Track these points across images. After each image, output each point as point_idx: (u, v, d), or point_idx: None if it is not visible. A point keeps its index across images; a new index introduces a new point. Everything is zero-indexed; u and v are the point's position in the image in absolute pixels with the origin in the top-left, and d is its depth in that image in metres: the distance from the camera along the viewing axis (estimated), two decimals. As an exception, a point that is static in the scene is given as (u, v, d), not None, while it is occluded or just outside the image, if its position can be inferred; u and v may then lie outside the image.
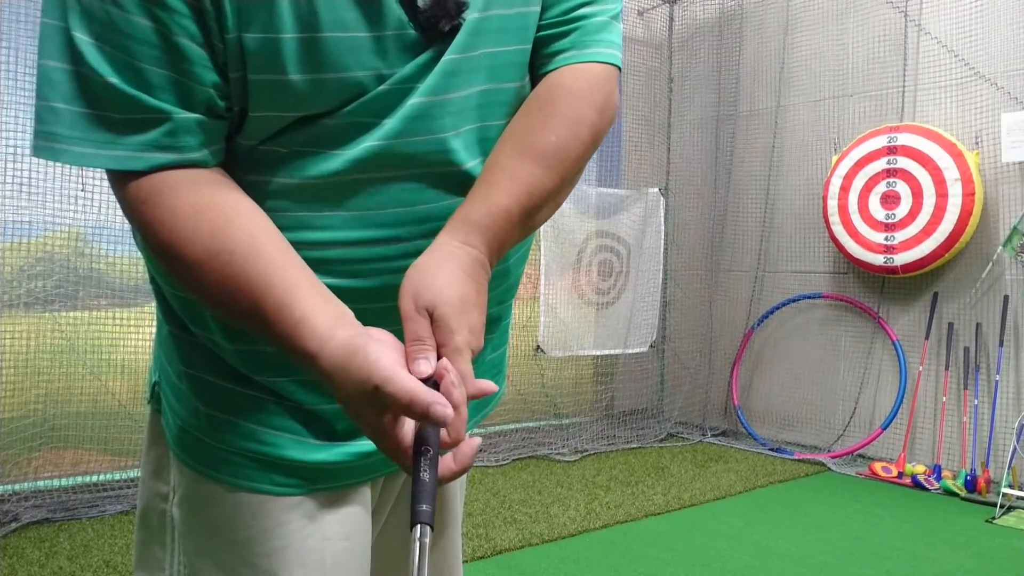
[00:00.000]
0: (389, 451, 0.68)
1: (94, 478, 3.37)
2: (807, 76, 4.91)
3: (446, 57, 0.77)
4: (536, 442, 4.63)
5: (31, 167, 3.16)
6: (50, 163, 3.19)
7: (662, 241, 5.06)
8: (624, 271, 5.03)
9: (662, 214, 5.03)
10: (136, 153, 0.71)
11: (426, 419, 0.64)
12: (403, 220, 0.80)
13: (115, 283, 3.47)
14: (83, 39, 0.68)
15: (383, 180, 0.79)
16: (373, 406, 0.66)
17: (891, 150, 4.28)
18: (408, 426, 0.68)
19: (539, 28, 0.84)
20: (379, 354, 0.66)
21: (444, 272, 0.72)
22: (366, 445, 0.87)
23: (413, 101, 0.77)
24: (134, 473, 3.50)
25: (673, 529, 3.30)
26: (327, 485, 0.86)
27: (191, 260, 0.71)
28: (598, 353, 5.09)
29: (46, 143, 0.70)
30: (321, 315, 0.69)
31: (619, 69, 0.86)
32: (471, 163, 0.82)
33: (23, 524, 2.97)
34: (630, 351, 5.00)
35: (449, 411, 0.64)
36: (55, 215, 3.25)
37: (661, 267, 5.11)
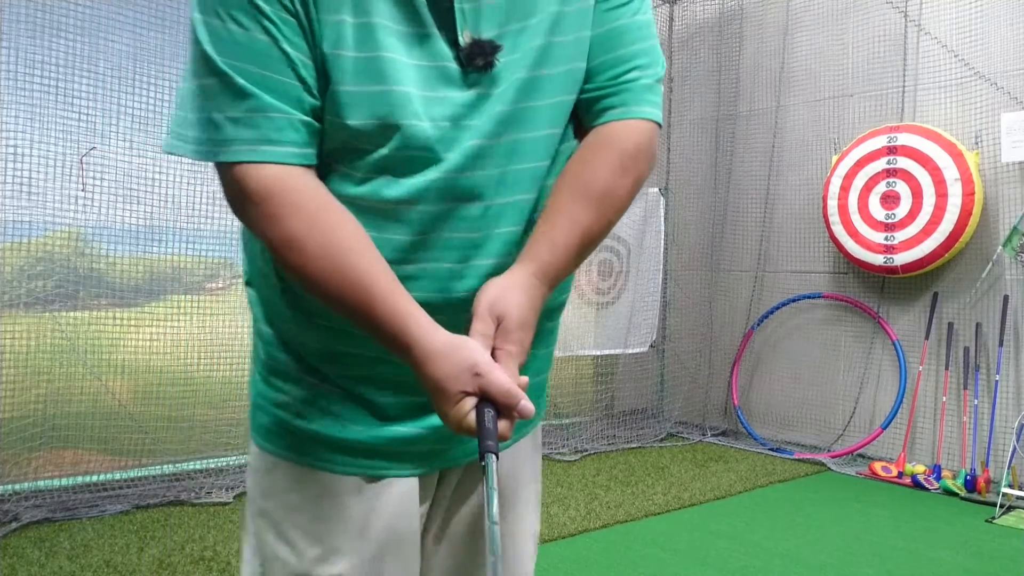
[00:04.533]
0: (455, 423, 0.84)
1: (94, 478, 3.37)
2: (807, 76, 4.91)
3: (502, 108, 0.92)
4: (536, 442, 4.63)
5: (31, 167, 3.16)
6: (50, 163, 3.20)
7: (662, 241, 5.05)
8: (624, 271, 5.03)
9: (662, 214, 5.03)
10: (250, 146, 0.84)
11: (511, 410, 0.82)
12: (453, 245, 0.94)
13: (115, 283, 3.47)
14: (213, 54, 0.83)
15: (441, 209, 0.92)
16: (461, 386, 0.82)
17: (891, 150, 4.28)
18: (470, 406, 0.83)
19: (590, 89, 0.97)
20: (480, 350, 0.84)
21: (517, 294, 0.89)
22: (406, 431, 0.99)
23: (472, 142, 0.91)
24: (134, 473, 3.51)
25: (673, 529, 3.30)
26: (370, 467, 0.99)
27: (309, 253, 0.84)
28: (598, 353, 5.09)
29: (176, 141, 0.87)
30: (421, 312, 0.86)
31: (659, 125, 0.99)
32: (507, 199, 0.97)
33: (23, 524, 2.97)
34: (630, 351, 5.00)
35: (531, 407, 0.83)
36: (55, 215, 3.25)
37: (661, 267, 5.11)
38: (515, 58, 0.92)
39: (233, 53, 0.82)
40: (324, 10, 0.85)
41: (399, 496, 1.00)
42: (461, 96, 0.90)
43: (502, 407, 0.82)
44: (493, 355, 0.86)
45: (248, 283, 1.06)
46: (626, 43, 0.97)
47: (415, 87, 0.88)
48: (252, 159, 0.84)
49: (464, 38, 0.89)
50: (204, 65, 0.84)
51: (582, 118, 0.99)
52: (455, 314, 0.91)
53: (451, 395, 0.83)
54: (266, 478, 1.00)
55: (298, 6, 0.84)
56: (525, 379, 0.86)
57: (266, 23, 0.82)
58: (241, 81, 0.83)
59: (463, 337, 0.85)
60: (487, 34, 0.90)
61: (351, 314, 0.86)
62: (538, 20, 0.93)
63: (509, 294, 0.88)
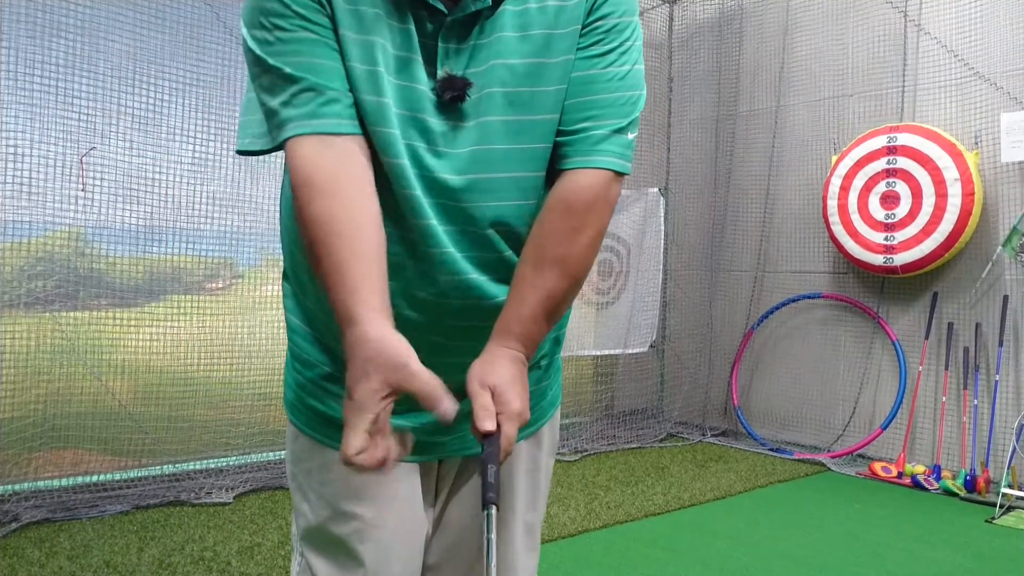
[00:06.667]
0: (356, 419, 0.85)
1: (94, 478, 3.37)
2: (807, 76, 4.91)
3: (473, 148, 1.01)
4: (536, 442, 4.63)
5: (31, 167, 3.16)
6: (50, 163, 3.20)
7: (662, 241, 5.05)
8: (624, 271, 5.03)
9: (662, 214, 5.03)
10: (301, 122, 0.94)
11: (435, 411, 0.86)
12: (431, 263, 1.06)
13: (115, 283, 3.47)
14: (263, 55, 0.95)
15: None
16: (384, 377, 0.85)
17: (891, 150, 4.28)
18: (386, 413, 0.87)
19: (557, 135, 1.04)
20: (412, 352, 0.89)
21: (498, 364, 0.99)
22: (401, 424, 1.05)
23: (452, 179, 1.01)
24: (134, 473, 3.51)
25: (673, 529, 3.30)
26: None
27: (318, 227, 0.93)
28: (598, 353, 5.09)
29: (247, 139, 1.01)
30: (378, 301, 0.91)
31: (618, 173, 1.03)
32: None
33: (23, 524, 2.97)
34: (630, 351, 5.00)
35: (451, 414, 0.86)
36: (55, 215, 3.25)
37: (661, 267, 5.11)
38: (493, 98, 1.00)
39: (279, 51, 0.94)
40: (340, 25, 0.96)
41: (398, 472, 1.12)
42: (433, 122, 1.00)
43: (428, 406, 0.87)
44: (497, 421, 0.94)
45: (284, 277, 1.20)
46: (589, 92, 1.02)
47: (394, 104, 0.98)
48: (303, 132, 0.94)
49: (442, 72, 0.99)
50: (257, 66, 0.96)
51: (553, 162, 1.06)
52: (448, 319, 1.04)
53: (363, 386, 0.86)
54: (292, 445, 1.18)
55: (327, 16, 0.95)
56: (514, 436, 0.94)
57: (305, 23, 0.94)
58: (289, 70, 0.94)
59: (405, 341, 0.91)
60: (464, 72, 1.00)
61: (323, 283, 0.93)
62: (519, 67, 1.00)
63: (491, 367, 0.98)
